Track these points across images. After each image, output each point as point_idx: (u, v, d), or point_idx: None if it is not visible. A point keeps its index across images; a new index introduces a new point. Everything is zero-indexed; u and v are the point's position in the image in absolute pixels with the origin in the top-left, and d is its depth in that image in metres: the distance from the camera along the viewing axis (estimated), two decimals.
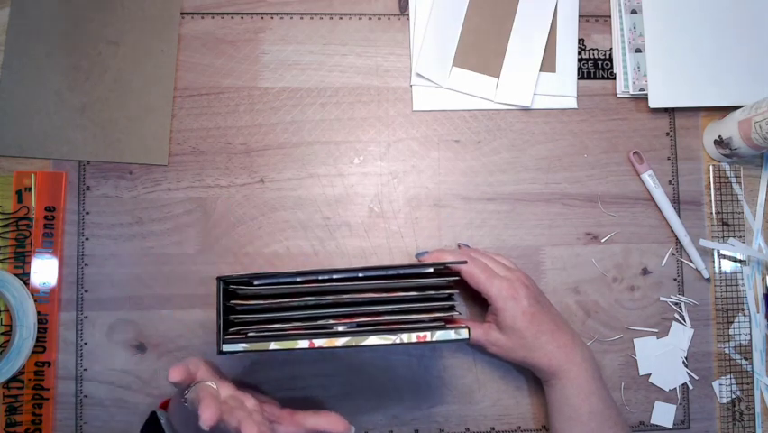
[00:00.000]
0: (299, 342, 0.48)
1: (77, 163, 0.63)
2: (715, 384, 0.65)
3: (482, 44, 0.66)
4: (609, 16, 0.68)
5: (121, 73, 0.63)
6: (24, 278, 0.61)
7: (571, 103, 0.66)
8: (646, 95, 0.66)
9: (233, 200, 0.63)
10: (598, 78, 0.67)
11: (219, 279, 0.50)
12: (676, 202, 0.66)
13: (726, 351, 0.65)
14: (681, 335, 0.65)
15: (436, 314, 0.52)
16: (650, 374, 0.65)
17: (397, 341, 0.50)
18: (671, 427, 0.64)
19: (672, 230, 0.66)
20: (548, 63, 0.66)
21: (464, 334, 0.51)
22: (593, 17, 0.68)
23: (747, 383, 0.65)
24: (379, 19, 0.66)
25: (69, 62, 0.63)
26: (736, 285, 0.66)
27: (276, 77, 0.65)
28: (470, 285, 0.57)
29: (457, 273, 0.56)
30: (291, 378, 0.62)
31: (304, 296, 0.50)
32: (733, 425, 0.65)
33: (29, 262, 0.61)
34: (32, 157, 0.62)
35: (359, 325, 0.50)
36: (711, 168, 0.67)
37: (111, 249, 0.62)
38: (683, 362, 0.65)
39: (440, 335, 0.51)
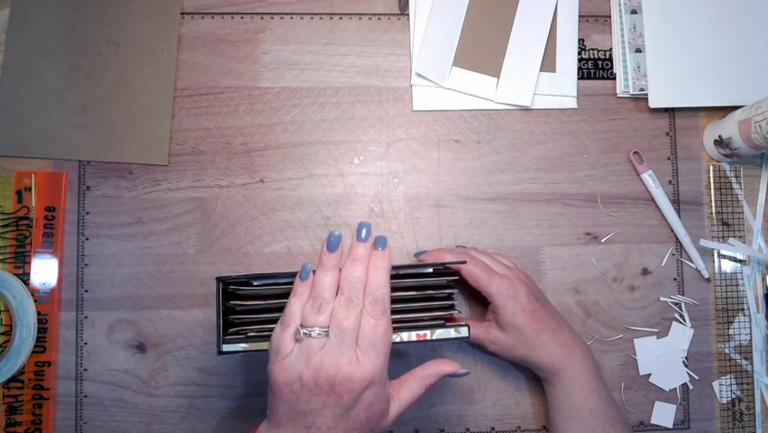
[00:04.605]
0: None
1: (77, 163, 0.63)
2: (715, 384, 0.65)
3: (482, 44, 0.66)
4: (609, 16, 0.68)
5: (121, 73, 0.63)
6: (24, 278, 0.61)
7: (571, 103, 0.66)
8: (646, 95, 0.66)
9: (233, 200, 0.63)
10: (598, 78, 0.67)
11: (218, 279, 0.50)
12: (676, 202, 0.66)
13: (726, 351, 0.65)
14: (681, 335, 0.65)
15: (436, 313, 0.52)
16: (650, 374, 0.64)
17: (397, 340, 0.50)
18: (671, 427, 0.64)
19: (672, 230, 0.66)
20: (548, 63, 0.66)
21: (464, 332, 0.51)
22: (593, 17, 0.68)
23: (747, 383, 0.65)
24: (379, 19, 0.66)
25: (69, 62, 0.63)
26: (736, 285, 0.66)
27: (276, 77, 0.65)
28: (470, 284, 0.57)
29: (457, 273, 0.56)
30: None
31: None
32: (733, 425, 0.65)
33: (29, 262, 0.61)
34: (32, 157, 0.62)
35: None
36: (711, 168, 0.67)
37: (111, 249, 0.62)
38: (683, 362, 0.65)
39: (440, 333, 0.51)
